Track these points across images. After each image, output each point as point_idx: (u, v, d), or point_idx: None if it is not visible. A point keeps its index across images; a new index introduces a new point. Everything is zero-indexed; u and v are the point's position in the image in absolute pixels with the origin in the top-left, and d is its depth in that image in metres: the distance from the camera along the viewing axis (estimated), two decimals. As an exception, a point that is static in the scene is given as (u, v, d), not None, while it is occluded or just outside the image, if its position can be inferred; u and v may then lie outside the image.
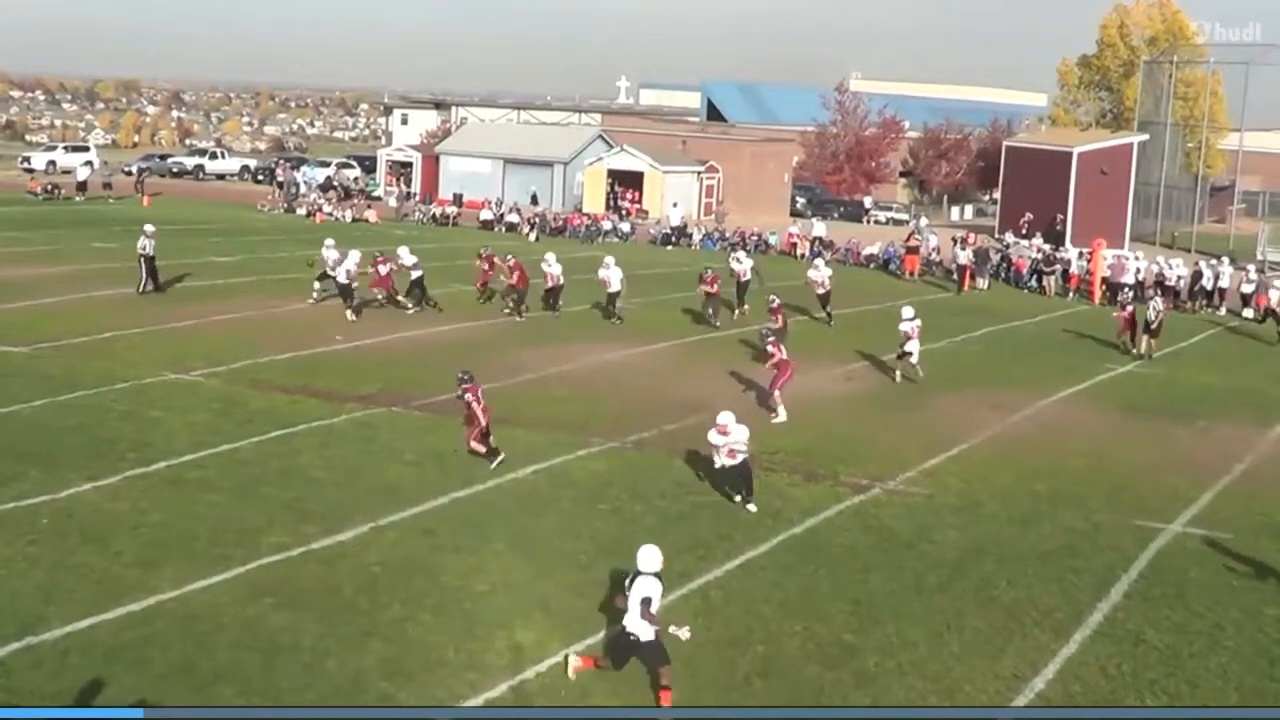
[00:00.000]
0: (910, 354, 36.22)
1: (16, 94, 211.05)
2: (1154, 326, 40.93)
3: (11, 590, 20.05)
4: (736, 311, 47.30)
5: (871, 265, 65.10)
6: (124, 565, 21.19)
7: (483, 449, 27.11)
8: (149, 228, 45.09)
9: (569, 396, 33.57)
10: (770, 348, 32.35)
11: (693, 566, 22.00)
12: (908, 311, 36.54)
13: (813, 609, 20.56)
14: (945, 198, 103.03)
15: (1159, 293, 50.19)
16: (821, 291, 46.85)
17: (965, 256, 56.44)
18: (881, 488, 26.77)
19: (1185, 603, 21.46)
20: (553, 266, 46.39)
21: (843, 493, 26.37)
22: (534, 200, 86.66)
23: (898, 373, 36.67)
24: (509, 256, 37.91)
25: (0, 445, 26.99)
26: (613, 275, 45.51)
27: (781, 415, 31.54)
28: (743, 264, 48.81)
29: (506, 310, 44.43)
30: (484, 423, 27.08)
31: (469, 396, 27.19)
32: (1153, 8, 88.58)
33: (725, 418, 24.97)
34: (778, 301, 40.85)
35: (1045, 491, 27.04)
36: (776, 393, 31.81)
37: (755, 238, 71.04)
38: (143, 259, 45.05)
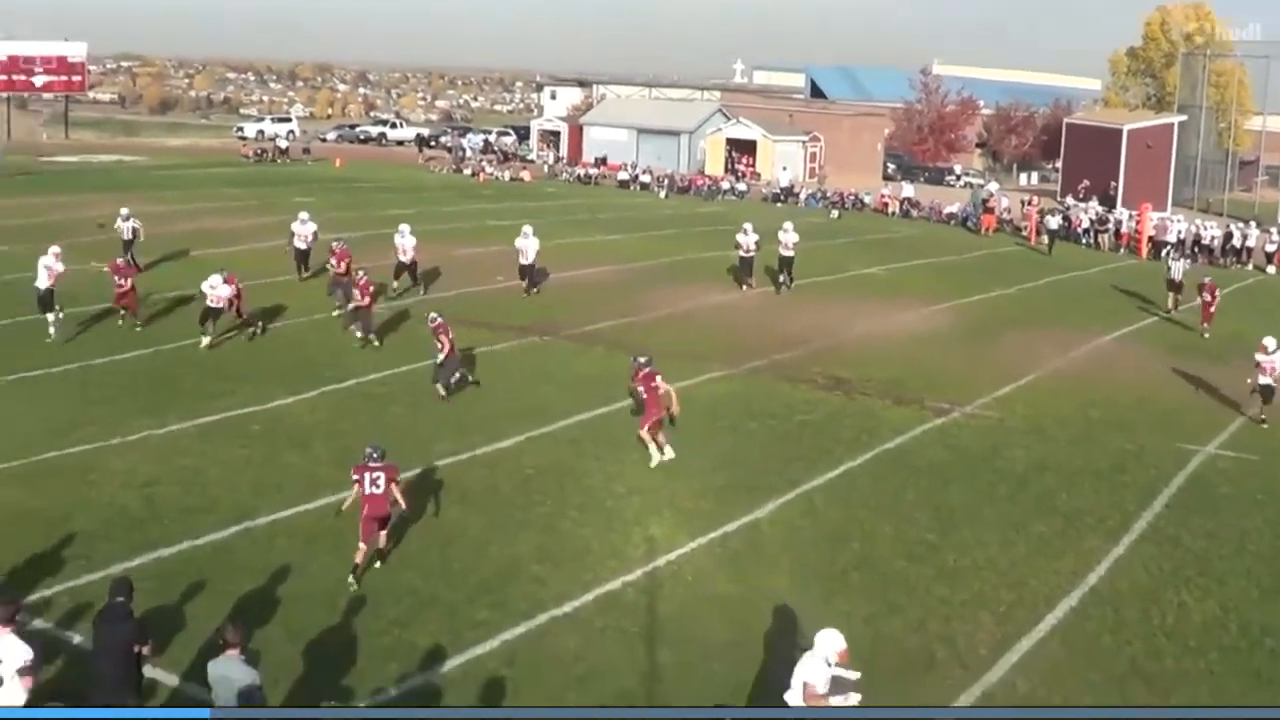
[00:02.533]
0: None
1: (232, 75, 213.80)
2: (1179, 283, 39.89)
3: (230, 484, 20.41)
4: (744, 285, 39.89)
5: (951, 222, 64.20)
6: (321, 465, 21.50)
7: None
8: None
9: (692, 330, 33.42)
10: (645, 378, 22.54)
11: (800, 474, 21.90)
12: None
13: (901, 513, 20.42)
14: (1014, 166, 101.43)
15: (1188, 253, 50.34)
16: (785, 254, 39.99)
17: (1055, 222, 55.51)
18: (960, 411, 26.45)
19: (1216, 513, 21.11)
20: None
21: (927, 415, 26.10)
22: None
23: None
24: (360, 274, 30.90)
25: (215, 367, 27.48)
26: (529, 246, 37.40)
27: (666, 455, 22.35)
28: (748, 237, 39.74)
29: (337, 312, 32.83)
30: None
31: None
32: (1189, 8, 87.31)
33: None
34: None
35: (1099, 418, 26.60)
36: (644, 432, 22.38)
37: (852, 197, 70.29)
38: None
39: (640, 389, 22.43)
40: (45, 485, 19.91)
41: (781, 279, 40.03)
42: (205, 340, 28.78)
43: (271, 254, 39.12)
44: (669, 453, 21.99)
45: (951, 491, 21.55)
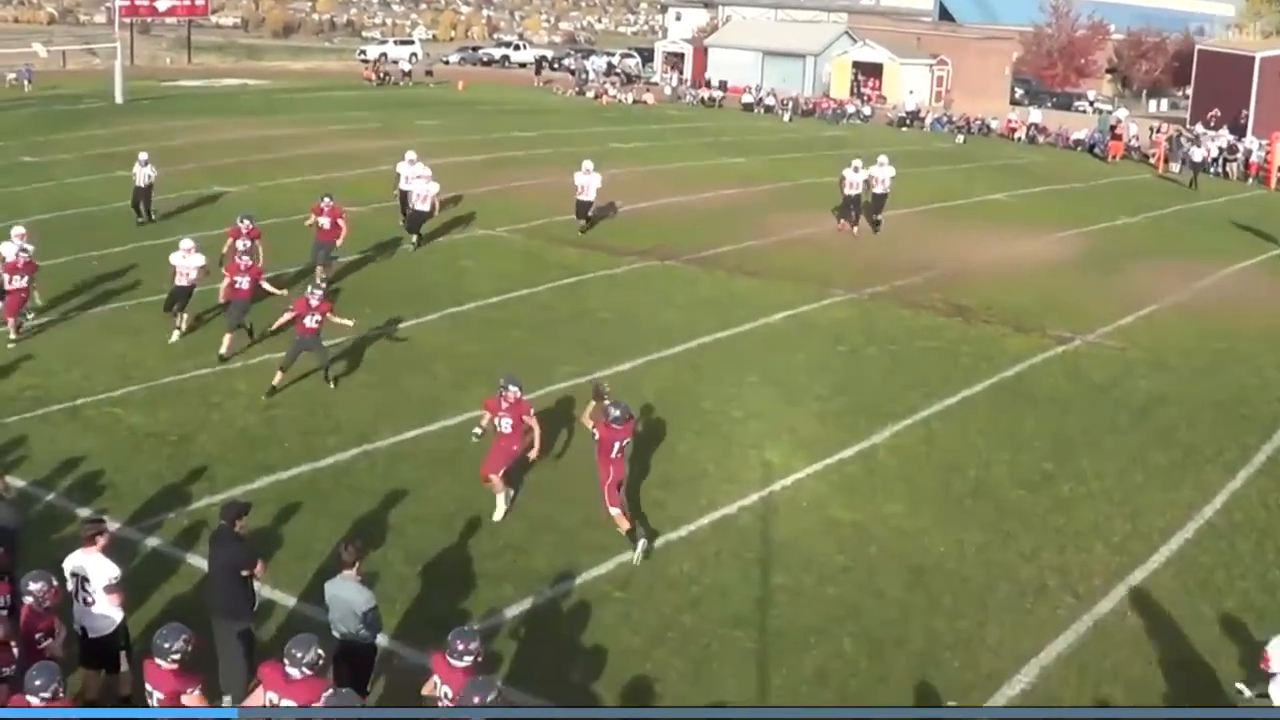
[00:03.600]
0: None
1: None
2: None
3: (351, 406, 20.77)
4: (854, 227, 36.28)
5: (1078, 149, 62.93)
6: (441, 388, 21.80)
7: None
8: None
9: (814, 255, 33.22)
10: (515, 407, 17.09)
11: (919, 402, 21.81)
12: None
13: (1018, 441, 20.28)
14: (1144, 92, 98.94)
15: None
16: (879, 190, 36.41)
17: (1199, 154, 54.19)
18: (1081, 340, 26.10)
19: (1339, 448, 20.71)
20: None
21: (1048, 343, 25.79)
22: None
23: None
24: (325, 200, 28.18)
25: (334, 292, 27.79)
26: (590, 182, 34.11)
27: (499, 508, 17.12)
28: (858, 174, 35.90)
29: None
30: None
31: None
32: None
33: None
34: None
35: (1223, 349, 26.08)
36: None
37: (978, 122, 69.12)
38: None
39: (503, 420, 16.99)
40: (167, 409, 20.33)
41: (876, 218, 36.34)
42: (175, 336, 23.61)
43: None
44: (501, 507, 17.00)
45: (1070, 421, 21.33)
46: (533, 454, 17.12)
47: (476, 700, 9.68)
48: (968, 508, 17.77)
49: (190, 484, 17.47)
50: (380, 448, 19.07)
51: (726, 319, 26.39)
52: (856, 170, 36.03)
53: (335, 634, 11.95)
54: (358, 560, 12.10)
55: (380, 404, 20.90)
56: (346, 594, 11.93)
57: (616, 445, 15.96)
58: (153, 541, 15.76)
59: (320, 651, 10.19)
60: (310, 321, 21.06)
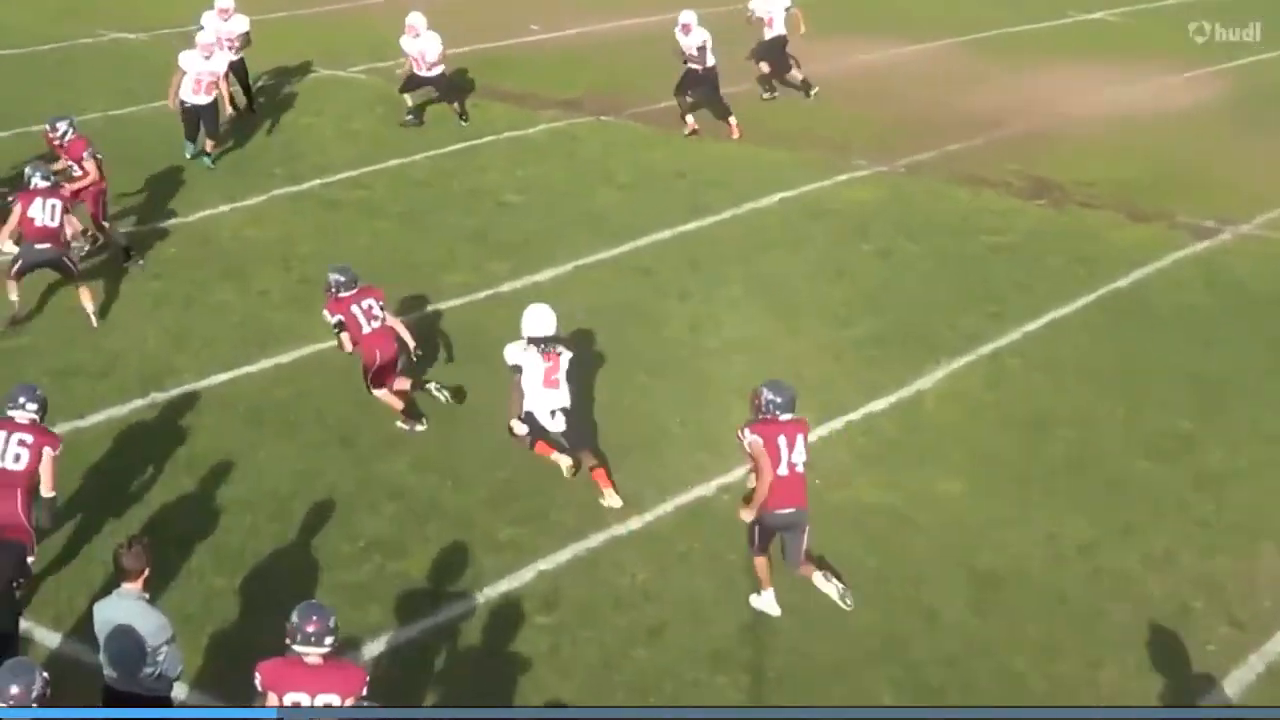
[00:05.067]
0: None
1: None
2: None
3: (135, 335, 20.46)
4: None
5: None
6: (271, 307, 21.50)
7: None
8: None
9: (823, 107, 33.08)
10: (341, 303, 18.42)
11: (984, 326, 21.70)
12: None
13: (1138, 386, 20.15)
14: None
15: None
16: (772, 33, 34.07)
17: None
18: (1231, 232, 26.04)
19: None
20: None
21: (1179, 237, 25.73)
22: None
23: None
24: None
25: (118, 155, 27.25)
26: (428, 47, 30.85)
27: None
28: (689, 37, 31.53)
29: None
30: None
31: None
32: None
33: None
34: None
35: None
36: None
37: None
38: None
39: (337, 318, 18.22)
40: None
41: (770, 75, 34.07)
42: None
43: None
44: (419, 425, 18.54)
45: (1217, 356, 21.22)
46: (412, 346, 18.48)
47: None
48: (1061, 486, 17.64)
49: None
50: (175, 397, 18.84)
51: (694, 203, 26.35)
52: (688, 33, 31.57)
53: (107, 678, 11.72)
54: (142, 569, 11.81)
55: (178, 332, 20.59)
56: (126, 618, 11.63)
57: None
58: None
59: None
60: (44, 218, 20.72)
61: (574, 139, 30.25)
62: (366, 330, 17.88)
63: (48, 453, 14.41)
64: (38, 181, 20.94)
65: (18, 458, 14.28)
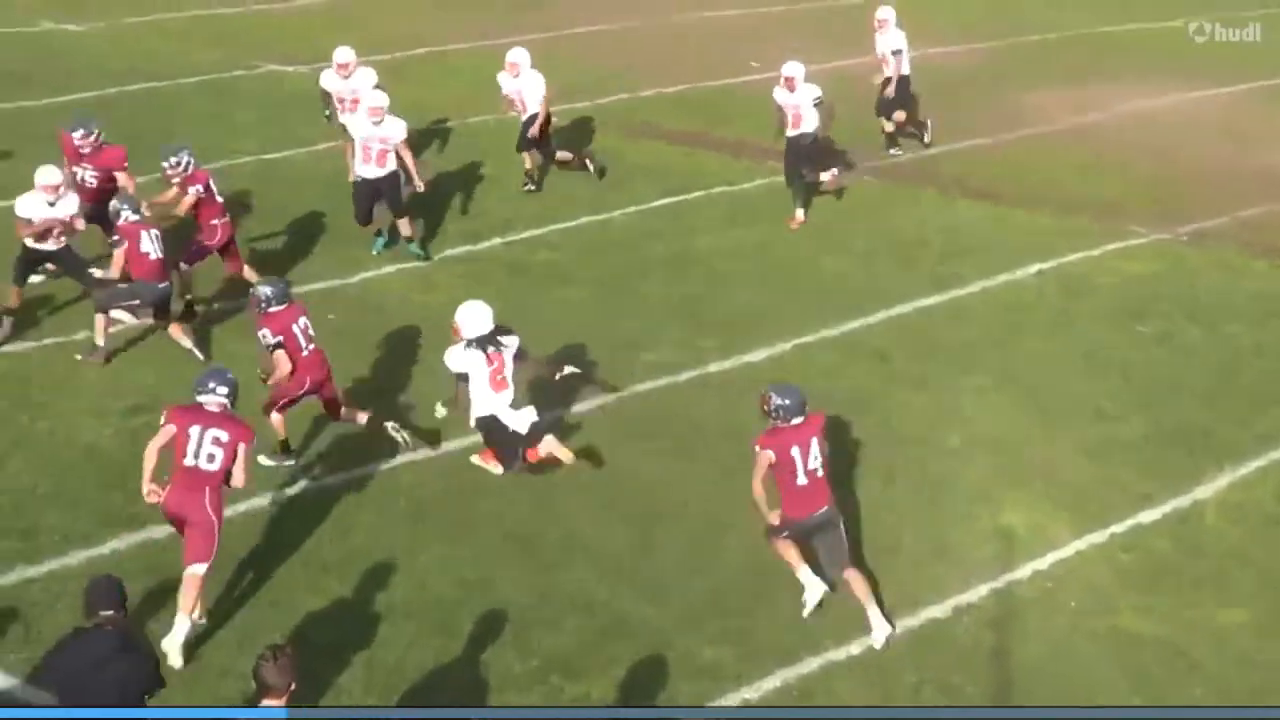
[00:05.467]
0: None
1: None
2: None
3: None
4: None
5: None
6: (441, 385, 21.64)
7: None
8: None
9: (1093, 162, 32.96)
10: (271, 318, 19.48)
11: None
12: None
13: None
14: None
15: None
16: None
17: None
18: None
19: None
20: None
21: None
22: None
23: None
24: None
25: (269, 204, 27.60)
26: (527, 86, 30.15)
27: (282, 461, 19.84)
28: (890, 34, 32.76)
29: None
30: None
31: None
32: None
33: None
34: None
35: None
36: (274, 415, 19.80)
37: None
38: None
39: (278, 338, 19.14)
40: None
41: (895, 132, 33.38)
42: None
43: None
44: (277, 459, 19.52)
45: None
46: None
47: None
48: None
49: None
50: (328, 485, 19.10)
51: (938, 274, 26.30)
52: (883, 25, 33.05)
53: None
54: (288, 684, 11.81)
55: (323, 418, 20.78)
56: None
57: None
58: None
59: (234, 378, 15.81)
60: (155, 251, 21.95)
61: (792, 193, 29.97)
62: (305, 353, 19.01)
63: (243, 449, 15.83)
64: (128, 215, 21.82)
65: (211, 458, 15.65)
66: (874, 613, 16.14)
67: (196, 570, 15.57)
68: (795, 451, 16.18)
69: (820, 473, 16.33)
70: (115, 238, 22.11)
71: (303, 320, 19.09)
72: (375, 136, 25.55)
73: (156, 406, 18.34)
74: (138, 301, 22.03)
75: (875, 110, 32.75)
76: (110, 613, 12.64)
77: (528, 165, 30.12)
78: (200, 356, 21.76)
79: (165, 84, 35.89)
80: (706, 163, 31.64)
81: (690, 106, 34.67)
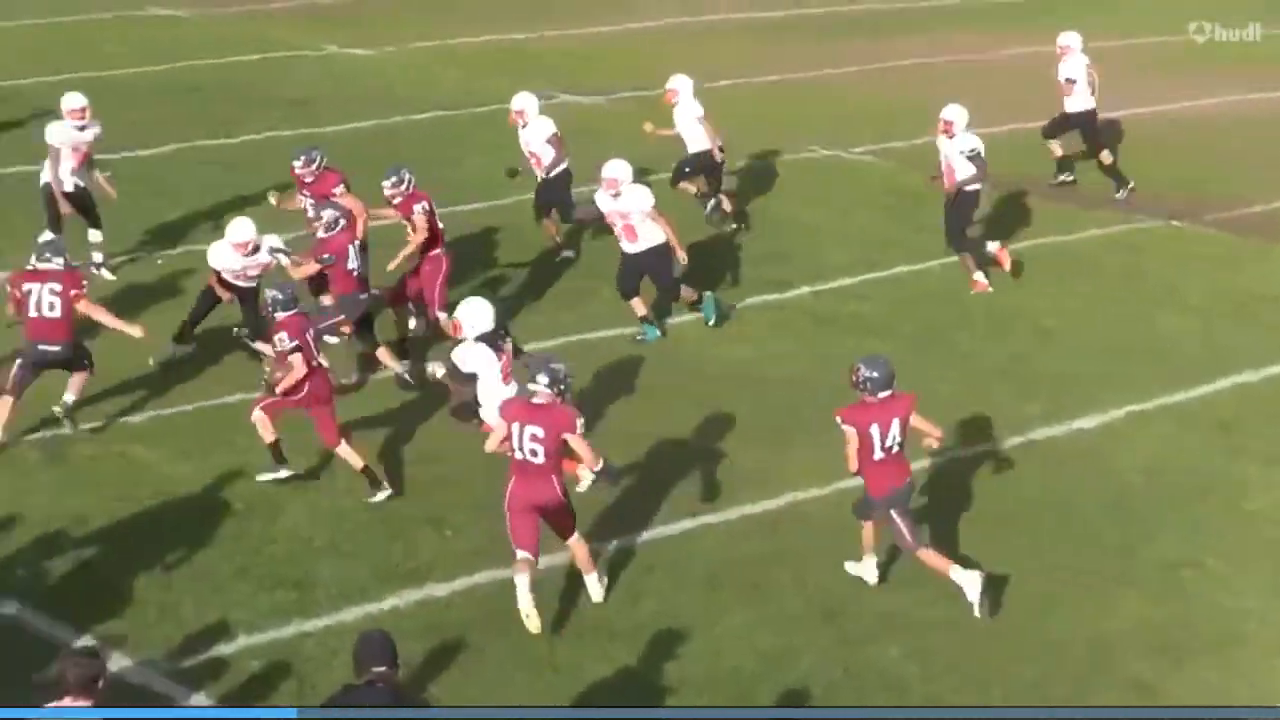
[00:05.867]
0: None
1: None
2: None
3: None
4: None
5: None
6: (740, 443, 21.51)
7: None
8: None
9: None
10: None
11: None
12: None
13: None
14: None
15: None
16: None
17: None
18: None
19: None
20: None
21: None
22: None
23: None
24: None
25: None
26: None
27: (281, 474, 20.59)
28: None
29: None
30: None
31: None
32: None
33: None
34: None
35: None
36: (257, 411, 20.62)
37: None
38: None
39: (294, 342, 20.07)
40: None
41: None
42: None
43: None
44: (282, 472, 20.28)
45: None
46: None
47: None
48: None
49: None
50: (612, 553, 18.92)
51: (1286, 338, 25.63)
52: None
53: None
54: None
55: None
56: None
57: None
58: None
59: (559, 366, 17.09)
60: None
61: (1134, 249, 29.87)
62: (315, 363, 19.93)
63: (568, 438, 17.09)
64: (329, 223, 23.10)
65: (534, 452, 16.90)
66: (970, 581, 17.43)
67: (574, 541, 17.55)
68: (875, 429, 17.49)
69: (897, 450, 17.67)
70: (326, 256, 23.04)
71: (311, 330, 20.05)
72: (615, 212, 25.10)
73: (442, 458, 19.65)
74: (343, 317, 23.13)
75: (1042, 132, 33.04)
76: (382, 669, 12.84)
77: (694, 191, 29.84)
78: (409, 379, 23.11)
79: (454, 113, 36.26)
80: (1032, 209, 31.41)
81: (1017, 148, 34.16)
